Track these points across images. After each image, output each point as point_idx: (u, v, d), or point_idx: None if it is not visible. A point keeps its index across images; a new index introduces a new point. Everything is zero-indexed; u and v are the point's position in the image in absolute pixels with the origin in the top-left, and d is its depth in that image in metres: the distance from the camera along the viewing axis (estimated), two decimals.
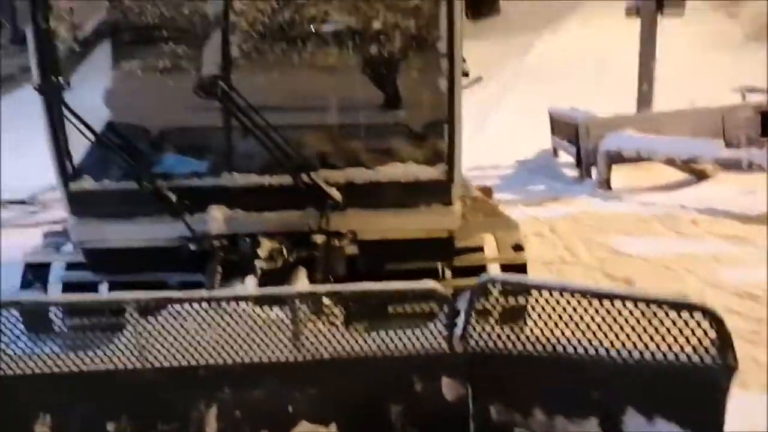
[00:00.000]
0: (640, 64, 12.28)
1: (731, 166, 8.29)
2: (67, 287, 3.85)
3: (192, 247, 3.51)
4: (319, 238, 3.48)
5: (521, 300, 2.44)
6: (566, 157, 11.25)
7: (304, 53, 3.38)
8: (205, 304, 2.41)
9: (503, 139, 13.66)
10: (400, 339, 2.49)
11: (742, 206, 7.57)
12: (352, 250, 3.60)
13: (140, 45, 3.32)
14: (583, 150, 9.92)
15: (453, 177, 3.47)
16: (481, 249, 3.95)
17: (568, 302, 2.33)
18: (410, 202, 3.50)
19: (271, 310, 2.51)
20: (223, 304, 2.41)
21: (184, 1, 3.21)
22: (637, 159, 9.14)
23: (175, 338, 2.44)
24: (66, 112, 3.14)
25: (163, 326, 2.42)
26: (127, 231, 3.50)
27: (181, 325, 2.42)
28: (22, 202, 9.72)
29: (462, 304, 2.46)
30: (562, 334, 2.36)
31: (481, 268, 3.91)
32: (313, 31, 3.32)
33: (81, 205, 3.42)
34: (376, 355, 2.50)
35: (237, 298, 2.41)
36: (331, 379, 2.52)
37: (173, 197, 3.35)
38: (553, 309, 2.36)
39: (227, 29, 3.15)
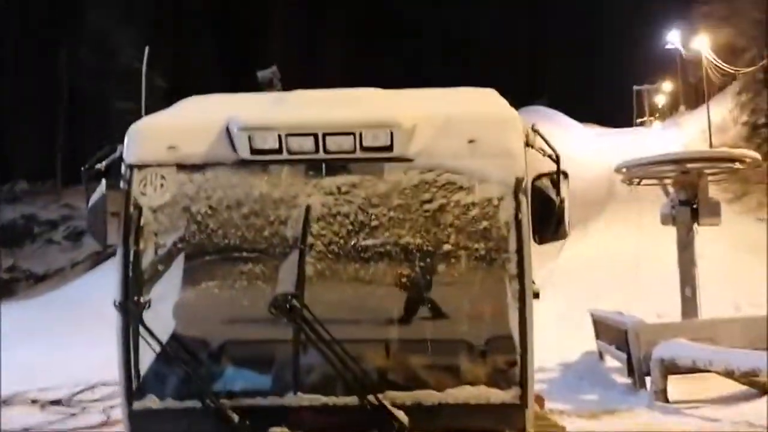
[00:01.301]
0: (681, 270, 12.27)
1: None
2: None
3: None
4: None
5: None
6: (613, 362, 10.90)
7: (375, 272, 3.44)
8: None
9: (544, 340, 13.39)
10: None
11: None
12: None
13: (218, 263, 3.43)
14: (635, 358, 9.60)
15: (527, 402, 3.32)
16: None
17: None
18: (480, 426, 3.33)
19: None
20: None
21: (266, 225, 3.36)
22: (694, 369, 8.78)
23: None
24: (143, 332, 3.18)
25: None
26: None
27: None
28: (59, 402, 9.58)
29: None
30: None
31: None
32: (385, 252, 3.40)
33: (142, 424, 3.32)
34: None
35: None
36: None
37: (236, 418, 3.26)
38: None
39: (304, 251, 3.26)
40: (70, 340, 12.54)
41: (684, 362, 8.74)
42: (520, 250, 3.28)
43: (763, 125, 28.51)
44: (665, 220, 12.28)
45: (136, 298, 3.22)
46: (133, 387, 3.29)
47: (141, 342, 3.26)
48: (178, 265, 3.50)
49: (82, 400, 9.49)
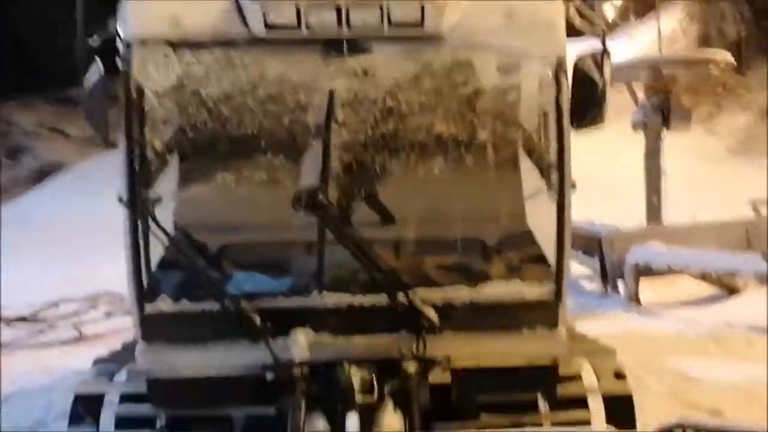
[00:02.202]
0: (647, 177, 12.40)
1: None
2: (122, 422, 3.41)
3: (269, 376, 3.15)
4: (411, 366, 3.14)
5: None
6: (580, 269, 11.04)
7: (405, 165, 3.17)
8: None
9: None
10: None
11: None
12: (442, 378, 3.26)
13: (235, 156, 3.10)
14: (609, 264, 9.74)
15: (561, 297, 3.19)
16: (579, 377, 3.59)
17: None
18: (513, 324, 3.19)
19: None
20: None
21: (286, 111, 3.03)
22: (668, 272, 8.96)
23: None
24: (154, 227, 2.87)
25: None
26: (200, 358, 3.14)
27: None
28: (24, 320, 9.20)
29: None
30: None
31: (581, 400, 3.55)
32: (417, 141, 3.12)
33: (155, 328, 3.07)
34: None
35: None
36: None
37: (257, 320, 3.04)
38: None
39: (329, 141, 2.96)
40: (21, 260, 12.00)
41: (659, 266, 8.89)
42: (560, 137, 3.06)
43: (714, 36, 28.56)
44: (636, 127, 12.25)
45: (144, 193, 2.89)
46: (145, 289, 3.02)
47: (151, 242, 2.97)
48: (188, 158, 3.15)
49: (47, 317, 9.14)
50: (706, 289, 9.34)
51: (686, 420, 2.09)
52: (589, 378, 3.63)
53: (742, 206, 12.80)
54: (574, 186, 3.17)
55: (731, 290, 9.06)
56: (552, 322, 3.20)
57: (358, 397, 2.93)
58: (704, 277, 8.83)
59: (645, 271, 9.14)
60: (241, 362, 3.15)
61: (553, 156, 3.10)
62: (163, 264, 3.11)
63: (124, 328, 8.06)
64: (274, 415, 3.27)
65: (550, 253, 3.25)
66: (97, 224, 13.35)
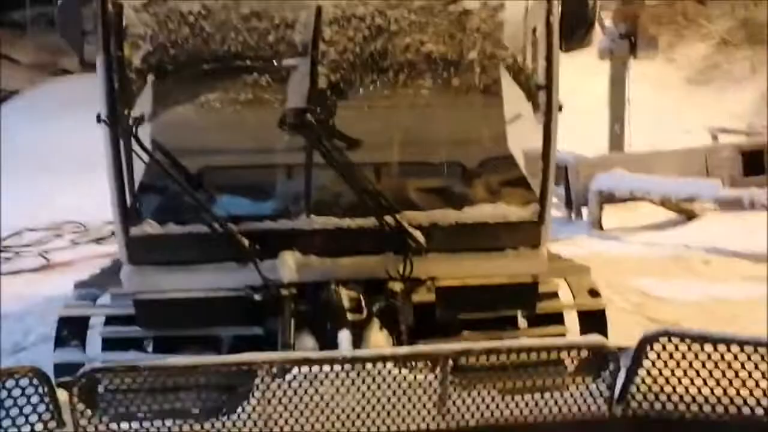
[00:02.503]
0: (611, 105, 12.53)
1: (729, 205, 8.39)
2: (108, 344, 3.43)
3: (257, 297, 3.18)
4: (397, 286, 3.21)
5: (689, 355, 2.21)
6: None
7: (394, 85, 3.13)
8: (345, 366, 2.09)
9: None
10: (554, 402, 2.22)
11: (743, 246, 7.63)
12: (425, 297, 3.34)
13: (218, 75, 3.01)
14: (574, 191, 9.93)
15: (544, 218, 3.27)
16: (555, 295, 3.73)
17: (749, 357, 2.12)
18: (497, 244, 3.27)
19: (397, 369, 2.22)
20: (368, 365, 2.10)
21: (271, 28, 2.93)
22: (630, 199, 9.19)
23: (307, 406, 2.11)
24: (136, 148, 2.81)
25: (295, 392, 2.08)
26: (187, 280, 3.15)
27: (316, 391, 2.10)
28: None
29: (624, 361, 2.23)
30: (740, 393, 2.14)
31: (558, 316, 3.70)
32: (405, 61, 3.07)
33: (140, 251, 3.05)
34: (526, 422, 2.22)
35: (383, 358, 2.10)
36: None
37: (245, 242, 3.04)
38: (729, 365, 2.15)
39: (316, 59, 2.90)
40: None
41: (622, 193, 9.10)
42: (549, 56, 3.05)
43: None
44: (603, 55, 12.26)
45: (125, 112, 2.81)
46: (131, 213, 2.98)
47: (134, 164, 2.91)
48: (169, 77, 3.05)
49: (10, 246, 8.95)
50: (665, 215, 9.65)
51: (671, 328, 2.18)
52: (565, 295, 3.78)
53: (701, 134, 13.14)
54: (560, 107, 3.20)
55: (689, 216, 9.36)
56: (534, 243, 3.29)
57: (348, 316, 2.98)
58: (664, 203, 9.09)
59: (608, 197, 9.36)
60: (228, 284, 3.17)
61: (541, 77, 3.10)
62: (148, 186, 3.06)
63: (92, 255, 8.01)
64: (262, 335, 3.33)
65: (530, 176, 3.32)
66: (50, 152, 13.00)
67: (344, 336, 2.80)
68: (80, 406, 2.01)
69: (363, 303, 3.10)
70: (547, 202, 3.23)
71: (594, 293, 3.76)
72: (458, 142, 3.28)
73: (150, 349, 3.48)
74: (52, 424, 2.01)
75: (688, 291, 6.01)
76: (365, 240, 3.15)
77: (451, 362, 2.12)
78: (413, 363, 2.11)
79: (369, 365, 2.09)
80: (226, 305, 3.21)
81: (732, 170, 10.07)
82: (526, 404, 2.23)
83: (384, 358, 2.10)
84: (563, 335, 3.67)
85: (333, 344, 2.97)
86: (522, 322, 3.69)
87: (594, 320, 3.67)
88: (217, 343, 3.45)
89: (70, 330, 3.42)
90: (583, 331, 3.67)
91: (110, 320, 3.46)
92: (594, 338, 2.20)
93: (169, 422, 2.11)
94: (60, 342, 3.40)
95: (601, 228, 9.37)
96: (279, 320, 3.08)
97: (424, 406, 2.17)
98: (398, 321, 3.12)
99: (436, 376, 2.15)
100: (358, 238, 3.14)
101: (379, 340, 3.11)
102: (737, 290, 6.10)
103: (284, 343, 2.98)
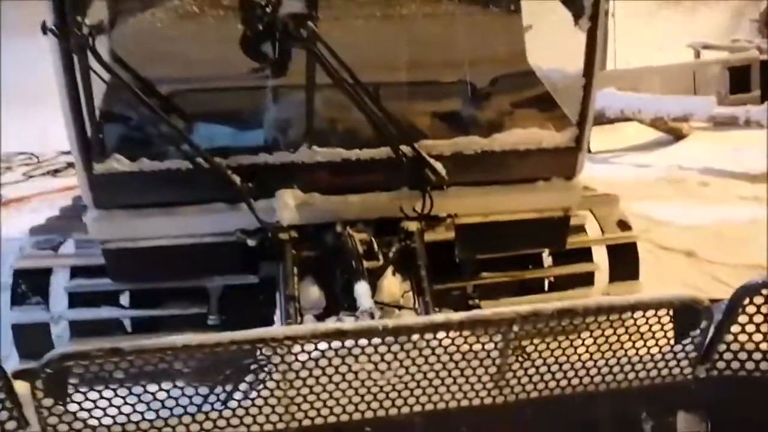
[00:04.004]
0: None
1: (724, 123, 8.08)
2: (76, 299, 2.94)
3: (251, 242, 2.72)
4: (412, 226, 2.78)
5: None
6: None
7: None
8: (387, 339, 1.66)
9: None
10: (631, 367, 1.85)
11: (733, 165, 7.38)
12: (439, 236, 2.92)
13: None
14: None
15: (582, 144, 2.83)
16: (582, 228, 3.34)
17: None
18: (528, 175, 2.84)
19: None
20: (415, 336, 1.67)
21: None
22: (621, 119, 8.82)
23: (337, 386, 1.69)
24: (94, 64, 2.24)
25: (323, 371, 1.66)
26: (166, 225, 2.66)
27: (349, 368, 1.67)
28: None
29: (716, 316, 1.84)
30: None
31: (586, 252, 3.32)
32: None
33: (107, 193, 2.53)
34: (597, 390, 1.85)
35: (434, 327, 1.67)
36: (541, 425, 1.86)
37: (236, 179, 2.54)
38: None
39: None
40: None
41: (612, 112, 8.71)
42: None
43: None
44: None
45: (78, 19, 2.21)
46: (93, 146, 2.44)
47: (93, 85, 2.35)
48: None
49: None
50: (650, 135, 9.33)
51: None
52: (593, 228, 3.40)
53: (676, 52, 12.73)
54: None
55: (678, 135, 9.06)
56: (569, 172, 2.88)
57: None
58: (655, 122, 8.74)
59: (597, 117, 8.96)
60: (216, 228, 2.70)
61: None
62: (112, 114, 2.52)
63: (49, 189, 7.37)
64: (257, 284, 2.90)
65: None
66: None
67: (363, 290, 2.37)
68: (47, 402, 1.56)
69: (376, 247, 2.67)
70: (587, 124, 2.79)
71: (624, 225, 3.39)
72: (478, 59, 2.79)
73: (127, 303, 3.01)
74: (11, 425, 1.55)
75: (690, 214, 5.73)
76: (377, 174, 2.69)
77: (515, 328, 1.71)
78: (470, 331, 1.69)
79: (415, 336, 1.67)
80: (215, 252, 2.75)
81: (719, 87, 9.76)
82: (598, 370, 1.85)
83: (435, 327, 1.67)
84: (591, 273, 3.31)
85: (344, 296, 2.57)
86: (547, 260, 3.32)
87: (625, 255, 3.31)
88: (205, 295, 3.00)
89: (29, 284, 2.91)
90: (614, 267, 3.32)
91: (76, 272, 2.96)
92: (684, 292, 1.82)
93: (164, 412, 1.68)
94: (17, 299, 2.89)
95: (588, 150, 9.03)
96: (279, 268, 2.63)
97: (479, 379, 1.78)
98: (416, 266, 2.70)
99: (495, 345, 1.74)
100: (369, 171, 2.68)
101: (393, 288, 2.70)
102: (739, 212, 5.85)
103: (287, 295, 2.54)
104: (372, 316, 2.24)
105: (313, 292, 2.68)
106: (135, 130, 2.55)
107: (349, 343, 1.64)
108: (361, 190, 2.71)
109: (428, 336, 1.68)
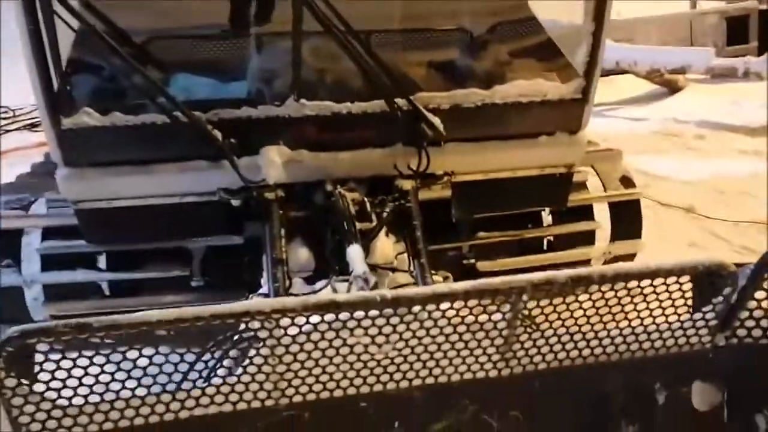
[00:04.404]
0: None
1: (722, 75, 7.89)
2: (49, 262, 2.77)
3: (234, 202, 2.56)
4: (407, 184, 2.62)
5: None
6: None
7: None
8: (385, 310, 1.51)
9: None
10: (646, 335, 1.72)
11: (733, 118, 7.23)
12: (437, 194, 2.77)
13: None
14: None
15: (589, 96, 2.66)
16: (584, 185, 3.19)
17: None
18: (531, 130, 2.68)
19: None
20: (416, 307, 1.52)
21: None
22: (616, 71, 8.59)
23: (331, 360, 1.55)
24: (59, 6, 2.02)
25: (315, 344, 1.51)
26: (142, 184, 2.49)
27: (344, 342, 1.53)
28: None
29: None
30: None
31: (587, 210, 3.18)
32: None
33: (78, 149, 2.34)
34: (609, 360, 1.73)
35: (437, 297, 1.53)
36: (549, 397, 1.74)
37: (218, 135, 2.36)
38: None
39: None
40: None
41: (607, 64, 8.46)
42: None
43: None
44: None
45: None
46: (60, 98, 2.23)
47: (59, 30, 2.13)
48: None
49: None
50: (645, 88, 9.13)
51: None
52: (594, 185, 3.26)
53: (673, 3, 12.42)
54: None
55: (673, 88, 8.86)
56: (574, 126, 2.71)
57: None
58: (649, 74, 8.53)
59: None
60: (196, 187, 2.53)
61: None
62: (80, 63, 2.31)
63: (27, 145, 7.09)
64: (241, 245, 2.75)
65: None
66: None
67: (356, 253, 2.23)
68: (10, 382, 1.41)
69: (368, 207, 2.52)
70: (595, 74, 2.62)
71: (627, 181, 3.24)
72: (477, 5, 2.60)
73: (103, 266, 2.85)
74: None
75: (688, 169, 5.60)
76: (369, 129, 2.52)
77: (525, 297, 1.56)
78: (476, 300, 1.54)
79: (416, 307, 1.52)
80: (196, 213, 2.58)
81: (716, 38, 9.53)
82: (611, 340, 1.72)
83: (438, 297, 1.52)
84: (592, 232, 3.18)
85: (335, 259, 2.42)
86: (546, 218, 3.18)
87: (628, 213, 3.18)
88: (187, 257, 2.84)
89: None
90: (616, 225, 3.19)
91: (49, 233, 2.79)
92: (711, 257, 1.68)
93: (141, 391, 1.53)
94: None
95: None
96: (265, 230, 2.48)
97: (484, 351, 1.64)
98: (411, 226, 2.55)
99: (503, 315, 1.60)
100: (361, 126, 2.51)
101: (386, 249, 2.55)
102: (738, 166, 5.73)
103: (274, 258, 2.39)
104: (366, 282, 2.09)
105: (301, 254, 2.55)
106: (106, 81, 2.36)
107: (343, 315, 1.50)
108: (353, 146, 2.54)
109: (430, 307, 1.53)
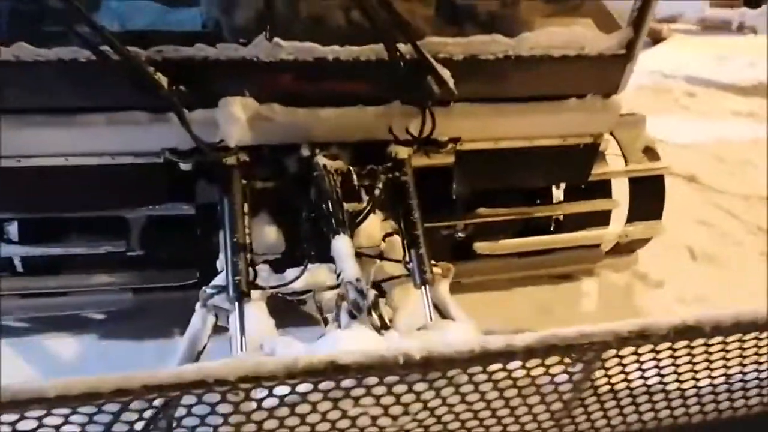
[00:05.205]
0: None
1: (713, 27, 7.46)
2: None
3: (184, 166, 2.01)
4: (403, 152, 2.11)
5: None
6: None
7: None
8: (410, 377, 1.01)
9: None
10: (743, 390, 1.28)
11: (722, 75, 6.85)
12: (435, 161, 2.27)
13: None
14: None
15: (634, 53, 2.16)
16: (602, 156, 2.71)
17: None
18: (560, 90, 2.18)
19: None
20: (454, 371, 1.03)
21: None
22: None
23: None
24: None
25: (303, 417, 1.01)
26: (62, 139, 1.91)
27: (344, 413, 1.03)
28: None
29: None
30: None
31: (605, 185, 2.71)
32: None
33: None
34: (690, 422, 1.29)
35: (497, 356, 1.02)
36: None
37: (162, 81, 1.78)
38: None
39: None
40: None
41: None
42: None
43: None
44: None
45: None
46: None
47: None
48: None
49: None
50: None
51: None
52: (613, 156, 2.78)
53: None
54: None
55: (656, 38, 8.42)
56: (611, 88, 2.22)
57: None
58: None
59: None
60: (133, 146, 1.97)
61: None
62: None
63: None
64: (191, 216, 2.21)
65: None
66: None
67: (344, 246, 1.73)
68: None
69: (355, 180, 2.00)
70: (645, 25, 2.11)
71: (652, 153, 2.77)
72: None
73: (15, 237, 2.27)
74: None
75: (682, 130, 5.19)
76: (361, 81, 1.99)
77: (607, 355, 1.09)
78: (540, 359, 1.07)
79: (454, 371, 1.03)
80: (132, 177, 2.03)
81: None
82: (698, 399, 1.28)
83: (489, 357, 1.03)
84: (608, 211, 2.72)
85: (310, 240, 1.92)
86: (557, 194, 2.71)
87: (650, 189, 2.72)
88: (124, 227, 2.27)
89: None
90: (635, 203, 2.73)
91: None
92: None
93: None
94: None
95: None
96: (223, 204, 1.94)
97: (535, 418, 1.18)
98: (407, 205, 2.05)
99: (570, 376, 1.13)
100: (350, 77, 1.97)
101: (372, 229, 2.05)
102: (737, 130, 5.35)
103: (234, 242, 1.87)
104: (362, 295, 1.59)
105: (268, 234, 2.05)
106: (14, 6, 1.74)
107: (348, 382, 0.99)
108: (339, 102, 2.01)
109: (475, 369, 1.04)
